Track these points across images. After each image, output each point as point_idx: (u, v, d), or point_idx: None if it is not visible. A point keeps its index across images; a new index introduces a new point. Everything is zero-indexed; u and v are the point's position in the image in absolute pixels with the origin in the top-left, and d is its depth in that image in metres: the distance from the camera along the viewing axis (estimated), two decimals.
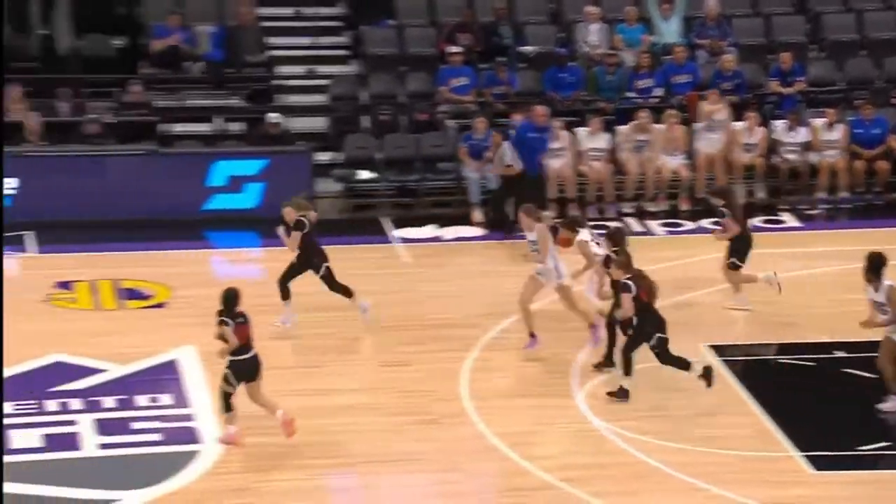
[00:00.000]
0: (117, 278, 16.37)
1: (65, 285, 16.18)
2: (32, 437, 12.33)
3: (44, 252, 17.48)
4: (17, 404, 12.92)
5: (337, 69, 20.97)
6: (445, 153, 19.64)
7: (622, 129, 19.72)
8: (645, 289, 13.00)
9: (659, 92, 20.33)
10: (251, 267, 17.76)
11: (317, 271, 14.63)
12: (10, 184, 18.35)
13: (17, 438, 12.29)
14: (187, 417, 12.73)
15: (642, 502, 11.46)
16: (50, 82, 19.64)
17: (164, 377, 13.51)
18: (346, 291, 14.75)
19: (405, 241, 18.23)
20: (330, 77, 20.63)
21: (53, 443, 12.28)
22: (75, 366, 13.83)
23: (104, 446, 12.26)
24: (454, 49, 20.34)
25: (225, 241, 18.47)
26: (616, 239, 13.97)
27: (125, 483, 11.56)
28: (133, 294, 15.99)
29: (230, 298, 12.15)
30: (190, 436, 12.40)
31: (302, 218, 14.48)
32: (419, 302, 15.79)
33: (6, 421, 12.59)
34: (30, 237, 17.79)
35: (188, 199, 18.70)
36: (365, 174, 19.51)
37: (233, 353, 12.07)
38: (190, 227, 18.08)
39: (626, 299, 12.98)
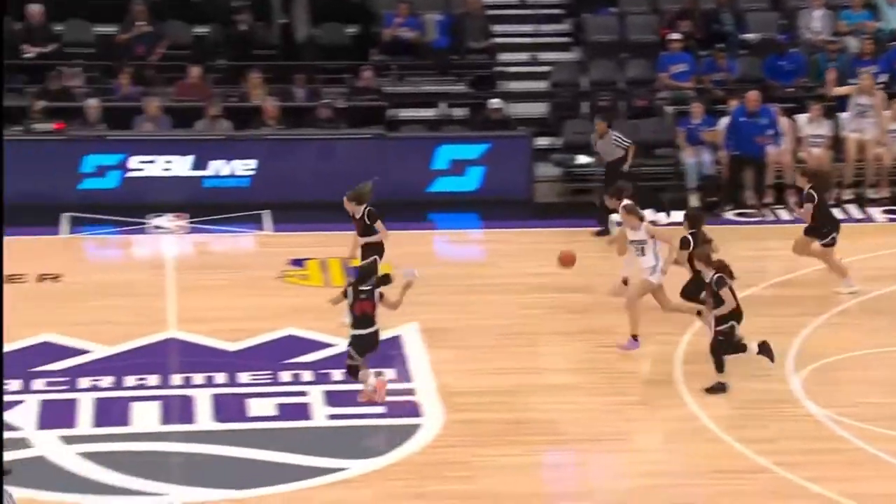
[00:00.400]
0: (346, 257, 17.09)
1: (298, 262, 16.83)
2: (268, 406, 12.99)
3: (279, 230, 18.19)
4: (255, 374, 13.66)
5: (558, 56, 21.27)
6: (663, 139, 19.79)
7: (845, 89, 19.40)
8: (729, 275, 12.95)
9: (883, 78, 20.04)
10: (471, 248, 18.27)
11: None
12: (250, 165, 19.26)
13: (254, 406, 13.00)
14: (410, 391, 13.22)
15: (860, 489, 11.37)
16: (287, 69, 20.38)
17: (388, 352, 13.87)
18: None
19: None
20: (551, 64, 20.94)
21: (286, 412, 12.89)
22: (306, 340, 14.45)
23: (332, 417, 12.84)
24: (674, 36, 20.43)
25: (447, 223, 18.90)
26: (693, 221, 13.90)
27: (352, 453, 12.08)
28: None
29: (365, 272, 12.71)
30: (412, 409, 12.89)
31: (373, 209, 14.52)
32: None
33: (245, 390, 13.39)
34: (266, 216, 18.56)
35: (413, 182, 19.19)
36: (583, 159, 19.73)
37: (355, 327, 12.66)
38: (414, 208, 18.49)
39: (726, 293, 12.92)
